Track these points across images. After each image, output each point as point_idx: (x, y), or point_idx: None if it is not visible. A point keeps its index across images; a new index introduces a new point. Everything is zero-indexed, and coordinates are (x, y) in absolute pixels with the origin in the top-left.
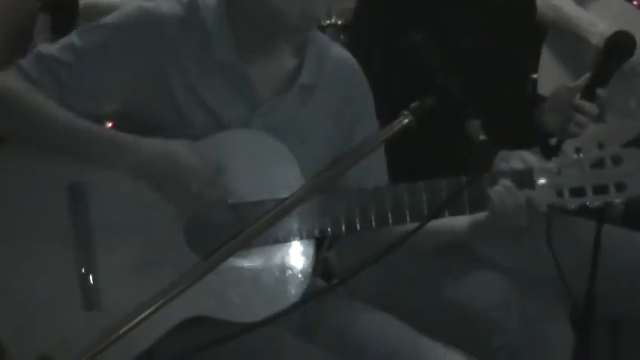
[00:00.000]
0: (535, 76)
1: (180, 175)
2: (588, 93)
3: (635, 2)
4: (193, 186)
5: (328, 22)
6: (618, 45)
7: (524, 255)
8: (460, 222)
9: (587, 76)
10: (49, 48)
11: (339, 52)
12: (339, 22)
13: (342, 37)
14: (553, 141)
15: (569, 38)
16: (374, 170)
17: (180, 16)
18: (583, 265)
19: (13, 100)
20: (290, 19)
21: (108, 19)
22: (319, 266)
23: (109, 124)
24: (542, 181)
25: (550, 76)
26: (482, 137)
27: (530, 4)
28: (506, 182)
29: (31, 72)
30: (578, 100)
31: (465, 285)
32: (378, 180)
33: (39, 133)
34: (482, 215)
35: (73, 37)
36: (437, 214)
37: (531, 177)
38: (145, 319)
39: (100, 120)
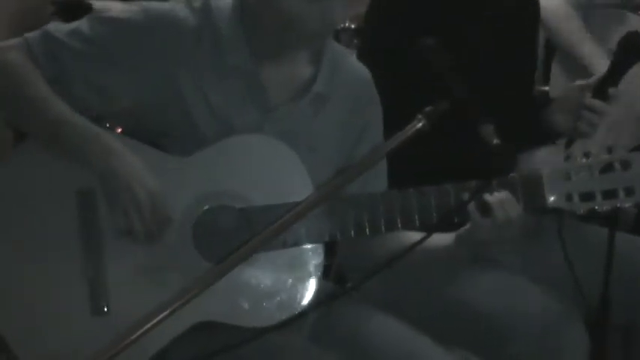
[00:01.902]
0: (547, 88)
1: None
2: (600, 92)
3: None
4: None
5: (342, 26)
6: (632, 45)
7: (537, 259)
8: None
9: (598, 75)
10: (58, 28)
11: (354, 63)
12: (353, 27)
13: (355, 41)
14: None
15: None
16: (375, 176)
17: (192, 21)
18: (595, 270)
19: (8, 76)
20: (307, 26)
21: (120, 14)
22: (330, 270)
23: (119, 130)
24: (551, 185)
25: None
26: (496, 141)
27: (533, 6)
28: (491, 197)
29: (35, 49)
30: (589, 99)
31: (479, 289)
32: (379, 186)
33: (22, 115)
34: (464, 227)
35: (84, 25)
36: (446, 218)
37: (540, 182)
38: (157, 324)
39: (108, 123)
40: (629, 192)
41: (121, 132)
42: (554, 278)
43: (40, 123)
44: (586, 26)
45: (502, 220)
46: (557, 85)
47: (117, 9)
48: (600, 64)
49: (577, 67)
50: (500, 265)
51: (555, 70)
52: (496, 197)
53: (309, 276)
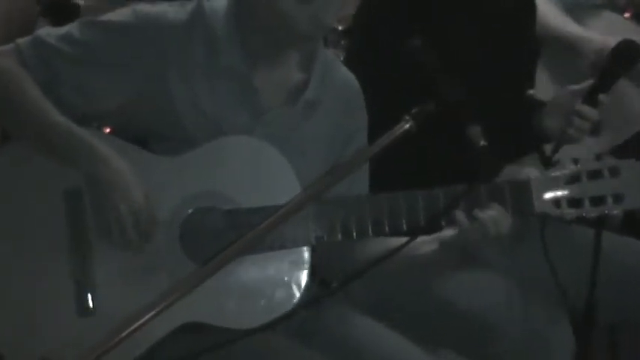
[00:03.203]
0: (532, 92)
1: (114, 196)
2: (590, 98)
3: (626, 15)
4: (122, 209)
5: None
6: (625, 53)
7: (523, 259)
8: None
9: (589, 81)
10: (49, 33)
11: (344, 71)
12: (340, 28)
13: (342, 42)
14: (549, 149)
15: (563, 55)
16: (357, 180)
17: (185, 22)
18: (582, 271)
19: (3, 82)
20: (299, 25)
21: (111, 16)
22: (316, 272)
23: (107, 130)
24: (539, 192)
25: (546, 91)
26: (483, 143)
27: (529, 8)
28: (482, 214)
29: (26, 55)
30: (580, 105)
31: (464, 289)
32: (360, 189)
33: (12, 119)
34: (450, 234)
35: (74, 29)
36: (433, 223)
37: (529, 188)
38: (143, 325)
39: (97, 123)
40: (618, 199)
41: (110, 132)
42: (540, 278)
43: (29, 127)
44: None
45: (493, 235)
46: (542, 88)
47: (108, 12)
48: (590, 41)
49: (563, 64)
50: (486, 264)
51: (541, 73)
52: (487, 214)
53: (296, 277)
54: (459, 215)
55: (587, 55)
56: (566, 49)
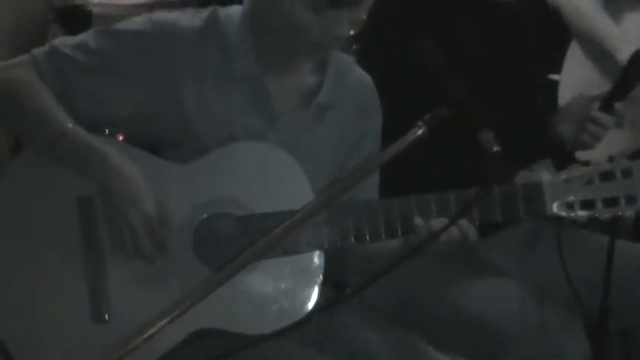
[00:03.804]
0: (557, 77)
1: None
2: (607, 105)
3: None
4: (134, 217)
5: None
6: None
7: (536, 265)
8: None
9: (604, 89)
10: (64, 42)
11: (359, 72)
12: (352, 32)
13: (353, 47)
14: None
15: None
16: (367, 185)
17: (199, 29)
18: (595, 277)
19: (14, 92)
20: (313, 36)
21: (125, 25)
22: (330, 276)
23: (120, 138)
24: (552, 194)
25: (574, 77)
26: (496, 148)
27: (542, 9)
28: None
29: (42, 65)
30: (595, 111)
31: (479, 295)
32: (369, 194)
33: (26, 128)
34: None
35: (89, 37)
36: (446, 227)
37: (541, 189)
38: (157, 331)
39: (110, 130)
40: (631, 200)
41: (123, 139)
42: (554, 284)
43: (43, 135)
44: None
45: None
46: (571, 72)
47: (120, 19)
48: (618, 44)
49: (596, 53)
50: (499, 271)
51: (571, 57)
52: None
53: (310, 282)
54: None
55: (617, 59)
56: (597, 45)
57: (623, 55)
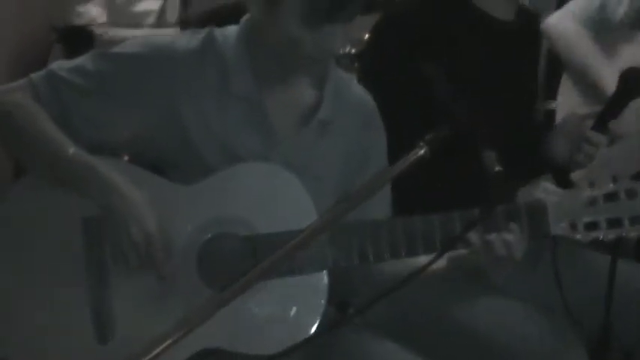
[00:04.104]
0: (553, 105)
1: (128, 225)
2: (600, 125)
3: None
4: (136, 239)
5: (342, 51)
6: (633, 80)
7: (539, 282)
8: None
9: (596, 107)
10: (61, 66)
11: (358, 89)
12: (353, 52)
13: (355, 65)
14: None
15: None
16: (379, 202)
17: (196, 50)
18: (597, 295)
19: (13, 116)
20: (307, 50)
21: (123, 48)
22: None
23: (125, 158)
24: (556, 214)
25: (569, 104)
26: (498, 169)
27: (537, 34)
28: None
29: (40, 89)
30: (589, 131)
31: (481, 312)
32: (382, 212)
33: (26, 152)
34: (461, 252)
35: (86, 61)
36: (450, 246)
37: (545, 210)
38: (161, 352)
39: (112, 152)
40: (635, 221)
41: (128, 161)
42: (556, 302)
43: (44, 159)
44: (595, 44)
45: (505, 258)
46: (566, 101)
47: (122, 39)
48: (611, 83)
49: (588, 84)
50: (500, 288)
51: (565, 85)
52: (500, 237)
53: (314, 302)
54: (472, 236)
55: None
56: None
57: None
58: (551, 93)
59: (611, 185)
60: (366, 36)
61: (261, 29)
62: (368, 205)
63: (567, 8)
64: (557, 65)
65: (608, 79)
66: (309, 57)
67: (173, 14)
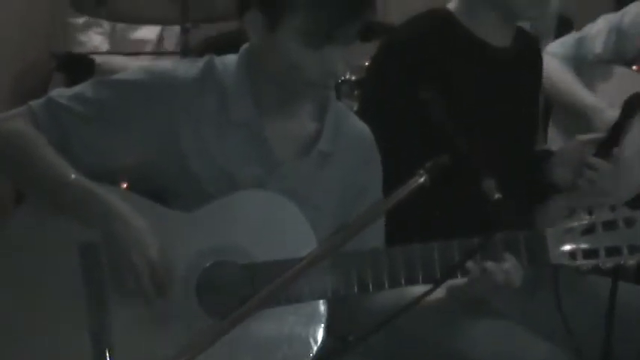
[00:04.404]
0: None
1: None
2: (603, 151)
3: (634, 67)
4: (138, 266)
5: (342, 78)
6: (636, 106)
7: (537, 307)
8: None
9: (599, 133)
10: (61, 94)
11: (357, 121)
12: (353, 78)
13: (355, 92)
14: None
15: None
16: (373, 233)
17: (196, 78)
18: (597, 319)
19: (13, 143)
20: (308, 74)
21: (123, 75)
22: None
23: (124, 186)
24: (554, 242)
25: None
26: (497, 196)
27: (537, 58)
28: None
29: (39, 116)
30: (592, 157)
31: (478, 338)
32: (376, 242)
33: (27, 179)
34: (460, 281)
35: (86, 88)
36: (450, 275)
37: (544, 240)
38: None
39: (113, 179)
40: (633, 249)
41: (126, 187)
42: (555, 327)
43: (45, 186)
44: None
45: (504, 286)
46: (555, 144)
47: (121, 71)
48: (602, 111)
49: (574, 123)
50: (499, 313)
51: (553, 129)
52: (498, 266)
53: (313, 331)
54: (470, 265)
55: (598, 126)
56: (577, 115)
57: (599, 120)
58: (543, 136)
59: (610, 213)
60: (366, 63)
61: (262, 56)
62: (362, 235)
63: (546, 51)
64: (546, 108)
65: (597, 105)
66: (311, 82)
67: (171, 42)
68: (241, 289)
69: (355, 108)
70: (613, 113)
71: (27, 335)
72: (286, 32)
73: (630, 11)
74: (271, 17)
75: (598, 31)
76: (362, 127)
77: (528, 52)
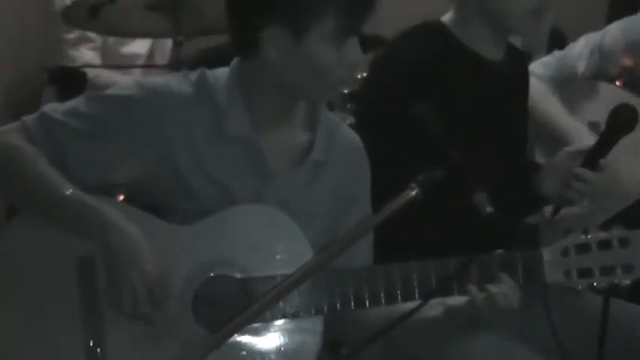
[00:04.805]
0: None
1: (128, 267)
2: (590, 162)
3: (617, 83)
4: (134, 279)
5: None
6: (622, 117)
7: (531, 323)
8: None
9: (586, 144)
10: (54, 108)
11: (347, 131)
12: (346, 91)
13: (348, 105)
14: (548, 210)
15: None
16: (362, 249)
17: (189, 92)
18: (589, 336)
19: (7, 158)
20: (314, 94)
21: (117, 90)
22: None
23: (121, 198)
24: (550, 261)
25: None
26: (489, 209)
27: (526, 73)
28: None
29: (33, 131)
30: (579, 168)
31: (473, 354)
32: (364, 259)
33: (22, 194)
34: (458, 301)
35: (80, 103)
36: (445, 290)
37: (540, 260)
38: None
39: (109, 193)
40: (627, 269)
41: (123, 200)
42: (548, 343)
43: (41, 200)
44: (558, 100)
45: (502, 307)
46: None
47: (113, 85)
48: (580, 134)
49: (555, 146)
50: (493, 328)
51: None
52: (498, 288)
53: (309, 345)
54: (471, 287)
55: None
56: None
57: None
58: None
59: (605, 233)
60: (359, 76)
61: (256, 74)
62: (351, 252)
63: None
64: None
65: (575, 129)
66: (316, 100)
67: (162, 56)
68: (238, 304)
69: (348, 121)
70: (592, 139)
71: (22, 349)
72: (314, 38)
73: (611, 30)
74: (297, 28)
75: (580, 51)
76: (353, 137)
77: (519, 66)
